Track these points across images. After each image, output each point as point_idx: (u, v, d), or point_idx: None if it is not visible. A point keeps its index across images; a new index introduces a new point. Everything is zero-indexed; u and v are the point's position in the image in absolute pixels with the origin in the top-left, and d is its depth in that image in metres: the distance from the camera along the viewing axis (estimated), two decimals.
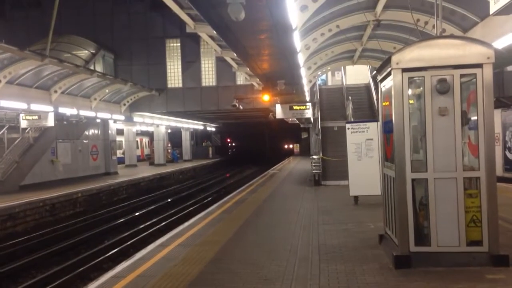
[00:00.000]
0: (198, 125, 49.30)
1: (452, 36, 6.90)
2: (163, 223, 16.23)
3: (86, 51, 30.03)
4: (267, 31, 9.13)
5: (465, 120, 5.96)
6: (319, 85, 26.58)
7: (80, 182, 24.38)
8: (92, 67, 27.61)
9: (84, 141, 27.60)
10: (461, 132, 5.86)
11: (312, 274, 6.04)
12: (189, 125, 46.37)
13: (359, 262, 6.51)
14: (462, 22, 11.61)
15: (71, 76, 22.57)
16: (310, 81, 20.09)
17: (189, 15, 14.01)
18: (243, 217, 10.82)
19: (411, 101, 6.17)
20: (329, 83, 34.21)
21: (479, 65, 5.77)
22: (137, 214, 18.84)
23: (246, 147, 72.82)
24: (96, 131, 29.21)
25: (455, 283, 5.33)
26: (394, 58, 5.98)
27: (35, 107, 20.95)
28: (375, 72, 7.54)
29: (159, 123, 38.50)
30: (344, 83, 28.01)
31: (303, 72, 14.85)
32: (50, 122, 22.02)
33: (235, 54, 14.37)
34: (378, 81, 7.22)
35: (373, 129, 11.93)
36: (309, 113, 19.93)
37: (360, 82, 28.47)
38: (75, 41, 29.98)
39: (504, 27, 9.51)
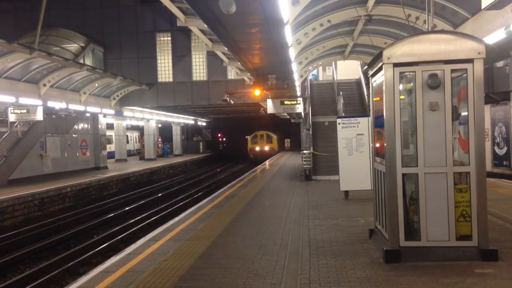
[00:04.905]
0: (188, 120, 49.13)
1: (443, 31, 6.90)
2: (154, 218, 16.18)
3: (76, 45, 29.76)
4: (258, 25, 9.10)
5: (455, 115, 5.97)
6: (310, 80, 26.62)
7: (69, 176, 24.21)
8: (81, 61, 27.35)
9: (74, 135, 27.38)
10: (451, 127, 5.87)
11: (302, 269, 6.04)
12: (179, 119, 46.19)
13: (349, 256, 6.52)
14: (453, 17, 11.66)
15: (60, 69, 22.36)
16: (301, 76, 20.12)
17: (180, 8, 13.94)
18: (234, 212, 10.80)
19: (402, 96, 6.16)
20: (320, 78, 34.34)
21: (470, 60, 5.78)
22: (127, 208, 18.75)
23: (237, 142, 72.69)
24: (85, 126, 28.99)
25: (444, 277, 5.36)
26: (385, 53, 5.97)
27: (23, 100, 20.69)
28: (366, 67, 7.56)
29: (150, 118, 38.31)
30: (335, 78, 28.09)
31: (294, 67, 14.84)
32: (39, 116, 21.80)
33: (226, 49, 14.30)
34: (369, 76, 7.22)
35: (364, 124, 11.96)
36: (300, 108, 19.95)
37: (351, 77, 28.61)
38: (64, 35, 29.68)
39: (494, 23, 9.56)
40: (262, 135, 49.41)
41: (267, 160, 34.40)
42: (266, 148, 48.37)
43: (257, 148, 48.48)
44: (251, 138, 49.84)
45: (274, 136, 49.91)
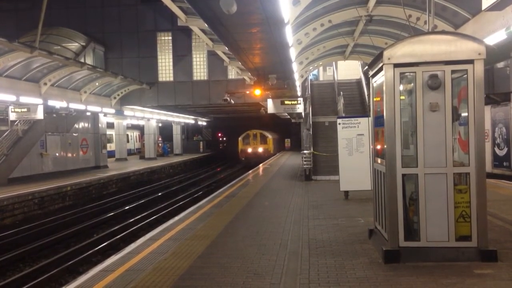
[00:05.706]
0: (189, 119, 49.14)
1: (443, 32, 6.91)
2: (153, 217, 16.18)
3: (76, 44, 29.75)
4: (259, 25, 9.11)
5: (455, 115, 5.98)
6: (311, 80, 26.62)
7: (69, 175, 24.21)
8: (82, 60, 27.34)
9: (74, 134, 27.39)
10: (451, 128, 5.88)
11: (302, 269, 6.04)
12: (180, 119, 46.18)
13: (349, 256, 6.53)
14: (453, 18, 11.66)
15: (61, 68, 22.35)
16: (302, 76, 20.12)
17: (180, 8, 13.94)
18: (234, 212, 10.80)
19: (402, 97, 6.17)
20: (321, 78, 34.33)
21: (470, 61, 5.79)
22: (127, 207, 18.76)
23: (237, 141, 72.50)
24: (86, 125, 28.99)
25: (444, 277, 5.36)
26: (386, 54, 5.97)
27: (24, 99, 20.72)
28: (366, 67, 7.56)
29: (150, 117, 38.33)
30: (336, 78, 28.09)
31: (294, 66, 14.85)
32: (40, 114, 21.80)
33: (226, 48, 14.31)
34: (369, 76, 7.23)
35: (364, 125, 11.96)
36: (300, 108, 19.96)
37: (352, 77, 28.61)
38: (65, 34, 29.67)
39: (495, 24, 9.56)
40: (255, 135, 43.27)
41: (267, 160, 34.28)
42: (260, 149, 42.39)
43: (249, 150, 42.41)
44: (242, 138, 43.71)
45: (270, 136, 44.04)
